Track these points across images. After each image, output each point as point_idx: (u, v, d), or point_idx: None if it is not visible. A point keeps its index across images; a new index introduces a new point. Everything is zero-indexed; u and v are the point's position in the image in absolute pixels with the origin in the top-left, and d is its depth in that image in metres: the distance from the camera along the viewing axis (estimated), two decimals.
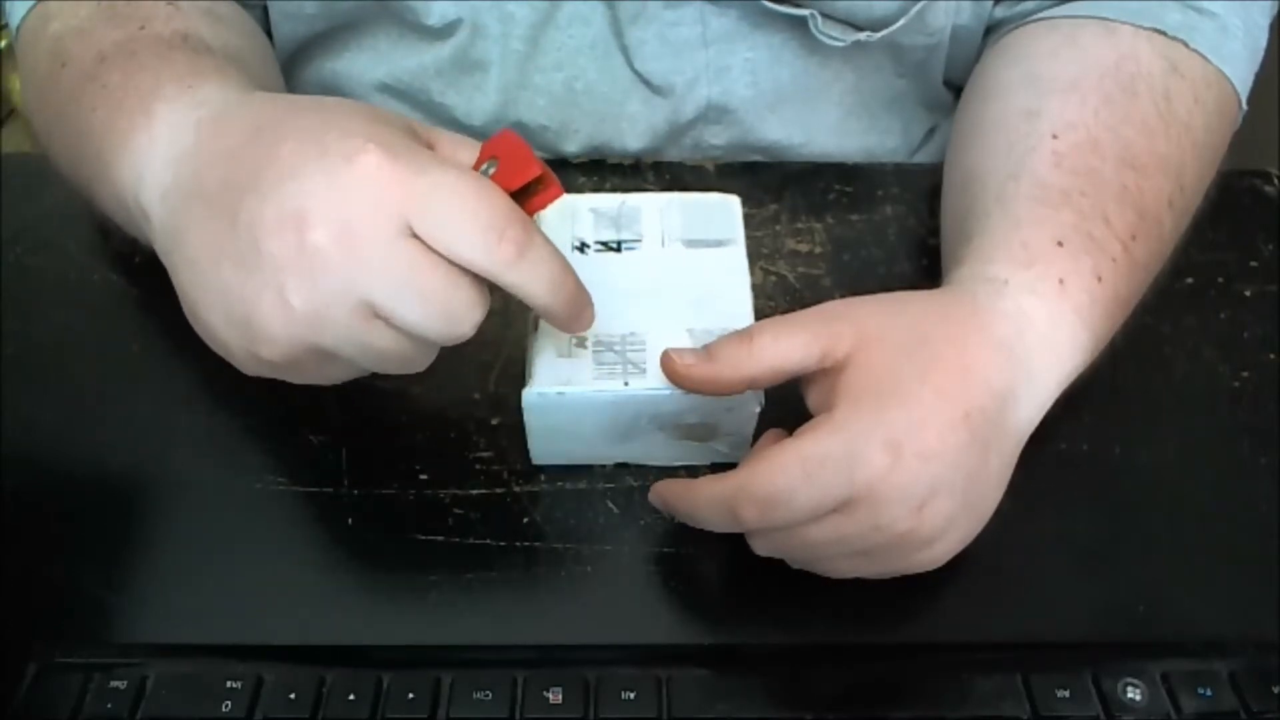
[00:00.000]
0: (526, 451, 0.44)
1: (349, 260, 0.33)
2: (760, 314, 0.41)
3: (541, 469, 0.44)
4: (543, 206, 0.36)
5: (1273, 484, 0.44)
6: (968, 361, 0.37)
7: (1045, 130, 0.45)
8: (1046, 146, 0.44)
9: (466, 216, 0.33)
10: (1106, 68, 0.47)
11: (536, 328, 0.41)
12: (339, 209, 0.33)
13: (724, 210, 0.46)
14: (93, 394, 0.46)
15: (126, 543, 0.42)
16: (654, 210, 0.45)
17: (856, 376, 0.36)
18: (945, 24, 0.54)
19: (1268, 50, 0.52)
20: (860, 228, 0.54)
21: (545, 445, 0.43)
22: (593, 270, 0.41)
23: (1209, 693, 0.38)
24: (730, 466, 0.38)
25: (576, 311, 0.37)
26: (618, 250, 0.44)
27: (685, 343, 0.40)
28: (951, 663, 0.39)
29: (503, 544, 0.42)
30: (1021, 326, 0.39)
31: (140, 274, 0.50)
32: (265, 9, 0.54)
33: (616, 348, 0.41)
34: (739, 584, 0.41)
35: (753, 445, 0.41)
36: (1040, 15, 0.52)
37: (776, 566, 0.39)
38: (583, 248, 0.44)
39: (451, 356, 0.38)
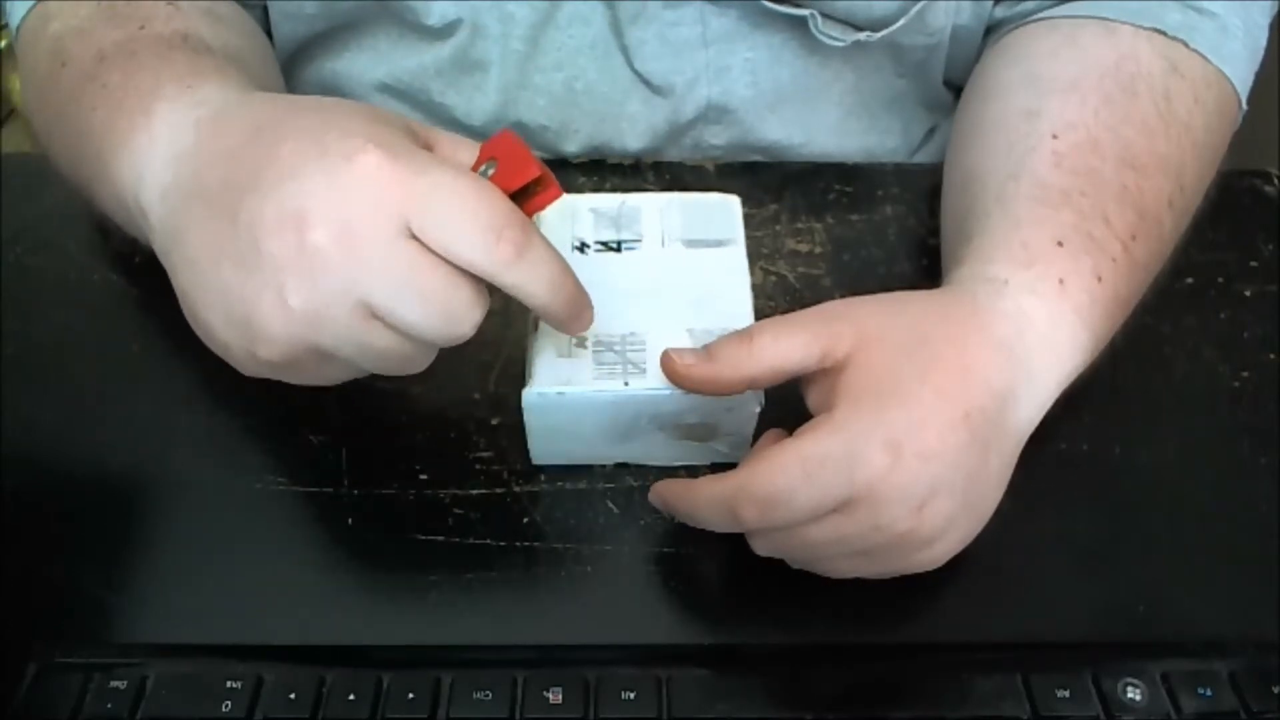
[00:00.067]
0: (526, 451, 0.44)
1: (349, 260, 0.33)
2: (760, 314, 0.41)
3: (541, 469, 0.44)
4: (542, 207, 0.36)
5: (1273, 484, 0.44)
6: (968, 361, 0.37)
7: (1045, 130, 0.45)
8: (1046, 146, 0.44)
9: (466, 217, 0.33)
10: (1106, 68, 0.47)
11: (536, 328, 0.41)
12: (339, 209, 0.33)
13: (724, 210, 0.46)
14: (93, 394, 0.46)
15: (126, 543, 0.42)
16: (654, 210, 0.45)
17: (856, 376, 0.36)
18: (945, 24, 0.54)
19: (1268, 50, 0.52)
20: (860, 228, 0.54)
21: (545, 445, 0.43)
22: (593, 270, 0.41)
23: (1209, 693, 0.38)
24: (730, 466, 0.38)
25: (575, 312, 0.37)
26: (618, 250, 0.44)
27: (685, 343, 0.40)
28: (951, 663, 0.39)
29: (503, 544, 0.42)
30: (1021, 326, 0.39)
31: (140, 274, 0.50)
32: (265, 9, 0.54)
33: (616, 348, 0.41)
34: (739, 584, 0.41)
35: (753, 445, 0.41)
36: (1040, 15, 0.52)
37: (776, 566, 0.39)
38: (583, 248, 0.44)
39: (451, 356, 0.38)
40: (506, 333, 0.47)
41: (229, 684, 0.37)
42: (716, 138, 0.57)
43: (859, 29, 0.52)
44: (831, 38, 0.52)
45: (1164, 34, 0.48)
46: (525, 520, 0.43)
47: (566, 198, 0.40)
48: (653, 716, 0.37)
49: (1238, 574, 0.42)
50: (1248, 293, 0.52)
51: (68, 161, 0.45)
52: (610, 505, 0.43)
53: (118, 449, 0.45)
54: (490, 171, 0.36)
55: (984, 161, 0.46)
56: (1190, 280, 0.52)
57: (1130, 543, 0.43)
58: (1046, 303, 0.40)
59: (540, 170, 0.35)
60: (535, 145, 0.56)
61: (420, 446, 0.45)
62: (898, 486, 0.34)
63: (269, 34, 0.55)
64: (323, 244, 0.33)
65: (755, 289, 0.43)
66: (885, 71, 0.57)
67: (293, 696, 0.37)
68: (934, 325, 0.38)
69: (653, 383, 0.40)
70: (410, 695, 0.37)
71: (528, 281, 0.34)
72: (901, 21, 0.52)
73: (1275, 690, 0.38)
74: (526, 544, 0.42)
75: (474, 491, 0.43)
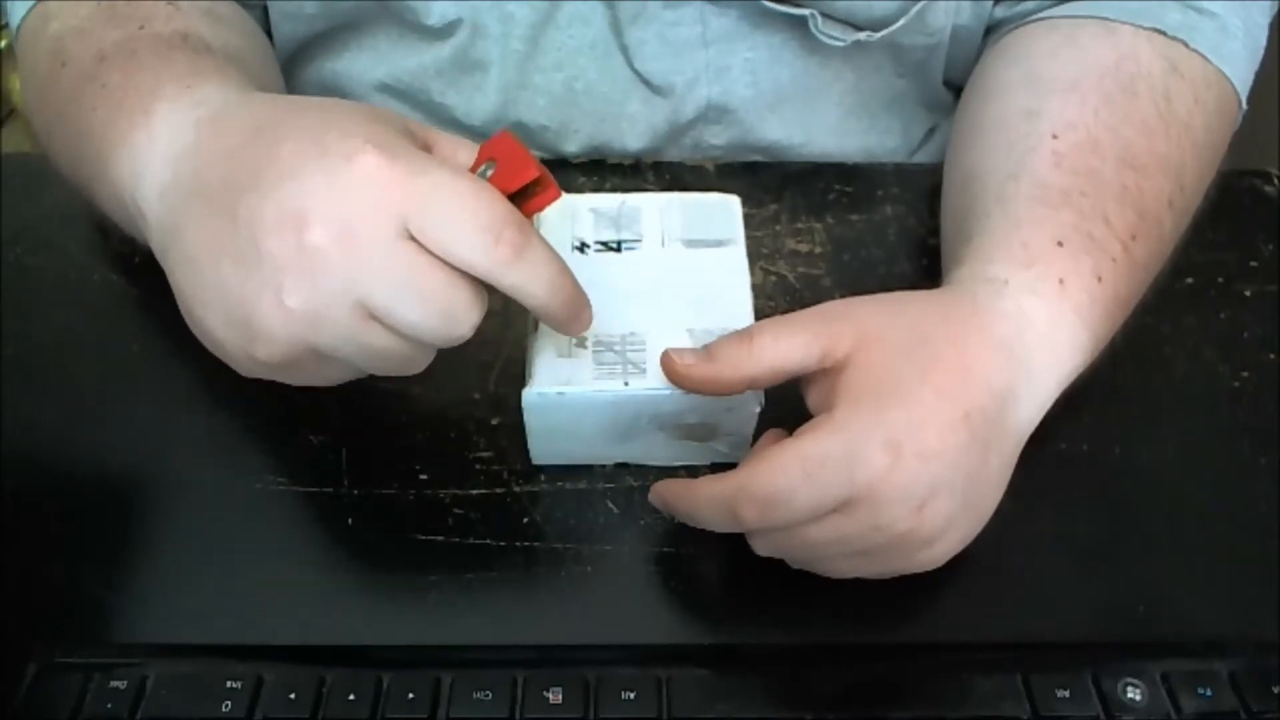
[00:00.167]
0: (526, 451, 0.44)
1: (348, 260, 0.33)
2: (760, 314, 0.41)
3: (541, 469, 0.44)
4: (541, 208, 0.36)
5: (1273, 484, 0.44)
6: (968, 361, 0.37)
7: (1045, 130, 0.45)
8: (1046, 146, 0.44)
9: (465, 218, 0.33)
10: (1106, 68, 0.47)
11: (536, 328, 0.41)
12: (338, 209, 0.33)
13: (724, 210, 0.46)
14: (93, 394, 0.46)
15: (126, 543, 0.42)
16: (654, 210, 0.45)
17: (856, 376, 0.36)
18: (945, 24, 0.54)
19: (1268, 50, 0.52)
20: (860, 228, 0.54)
21: (545, 445, 0.43)
22: (592, 270, 0.41)
23: (1209, 693, 0.38)
24: (730, 466, 0.38)
25: (574, 313, 0.37)
26: (618, 250, 0.44)
27: (685, 343, 0.40)
28: (951, 663, 0.39)
29: (503, 544, 0.42)
30: (1021, 326, 0.39)
31: (140, 274, 0.50)
32: (265, 9, 0.54)
33: (616, 348, 0.41)
34: (739, 584, 0.41)
35: (753, 445, 0.41)
36: (1040, 15, 0.52)
37: (776, 566, 0.39)
38: (583, 248, 0.44)
39: (451, 356, 0.38)
40: (506, 333, 0.47)
41: (229, 684, 0.37)
42: (716, 138, 0.57)
43: (859, 29, 0.52)
44: (831, 38, 0.52)
45: (1164, 34, 0.48)
46: (525, 520, 0.43)
47: (566, 198, 0.40)
48: (653, 716, 0.37)
49: (1238, 574, 0.42)
50: (1248, 293, 0.52)
51: (67, 161, 0.46)
52: (610, 505, 0.43)
53: (118, 449, 0.45)
54: (489, 172, 0.36)
55: (984, 161, 0.46)
56: (1190, 280, 0.52)
57: (1130, 543, 0.43)
58: (1046, 303, 0.40)
59: (539, 171, 0.35)
60: (535, 145, 0.56)
61: (420, 446, 0.45)
62: (898, 486, 0.34)
63: (269, 34, 0.55)
64: (322, 244, 0.33)
65: (755, 289, 0.43)
66: (885, 71, 0.57)
67: (293, 696, 0.37)
68: (934, 325, 0.38)
69: (653, 383, 0.40)
70: (410, 695, 0.37)
71: (526, 282, 0.34)
72: (901, 21, 0.52)
73: (1275, 690, 0.38)
74: (526, 544, 0.42)
75: (474, 491, 0.43)
